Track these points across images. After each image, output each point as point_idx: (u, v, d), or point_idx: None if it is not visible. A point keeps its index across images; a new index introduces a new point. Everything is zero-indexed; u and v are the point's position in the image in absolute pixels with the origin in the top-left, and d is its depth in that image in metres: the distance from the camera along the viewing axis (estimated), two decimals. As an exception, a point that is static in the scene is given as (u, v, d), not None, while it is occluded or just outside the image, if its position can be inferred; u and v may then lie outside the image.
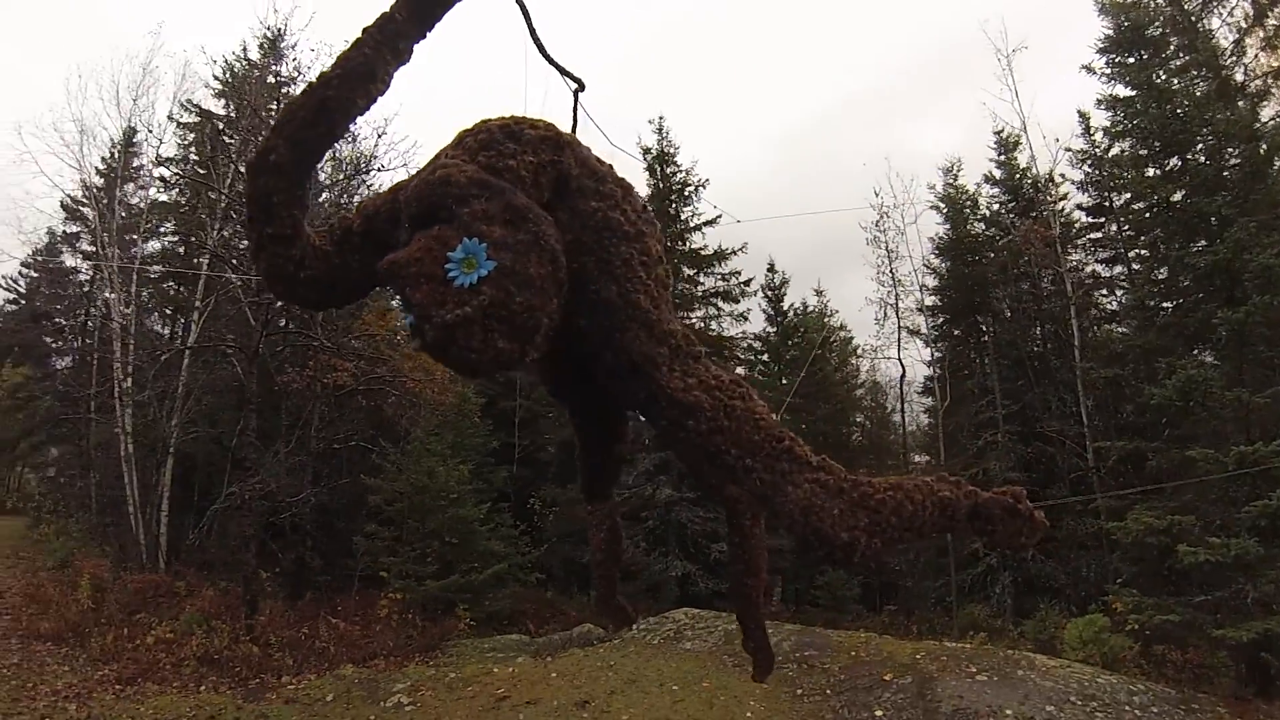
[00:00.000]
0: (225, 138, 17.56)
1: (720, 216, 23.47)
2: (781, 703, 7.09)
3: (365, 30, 1.98)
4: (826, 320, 29.49)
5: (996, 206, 23.61)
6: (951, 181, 24.30)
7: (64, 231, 22.82)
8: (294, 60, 18.42)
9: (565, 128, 2.25)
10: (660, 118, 25.32)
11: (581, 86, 2.95)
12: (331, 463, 17.56)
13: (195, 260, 17.89)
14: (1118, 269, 21.17)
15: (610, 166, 2.12)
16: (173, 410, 15.55)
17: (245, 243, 14.19)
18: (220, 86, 18.81)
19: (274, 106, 17.23)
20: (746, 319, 25.91)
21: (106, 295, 16.86)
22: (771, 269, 27.93)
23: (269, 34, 18.27)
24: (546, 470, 26.48)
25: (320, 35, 33.18)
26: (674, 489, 21.76)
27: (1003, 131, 22.91)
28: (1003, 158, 23.22)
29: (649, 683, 8.00)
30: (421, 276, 1.65)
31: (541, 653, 10.30)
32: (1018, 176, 22.80)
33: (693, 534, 21.36)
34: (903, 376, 24.41)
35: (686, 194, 24.99)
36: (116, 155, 18.06)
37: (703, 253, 24.98)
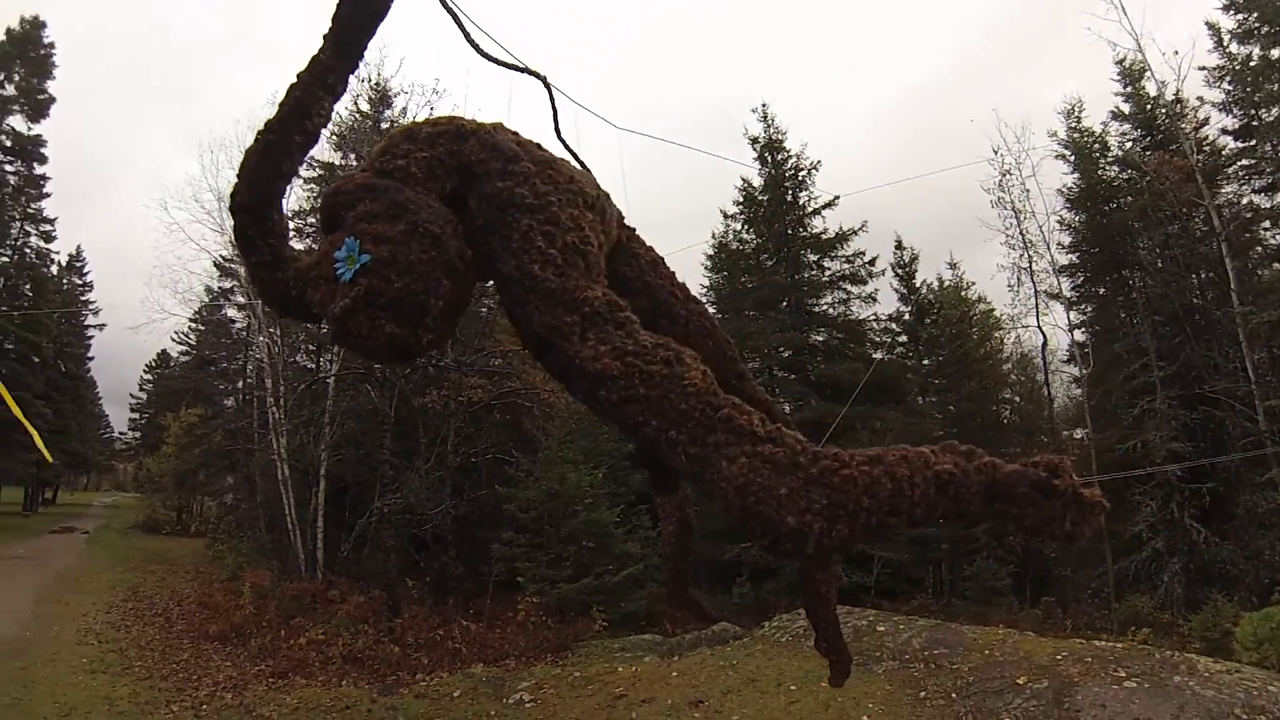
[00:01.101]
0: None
1: (838, 199, 22.64)
2: (901, 705, 6.60)
3: (298, 74, 2.11)
4: (964, 294, 27.45)
5: (1129, 145, 20.79)
6: (1075, 125, 21.75)
7: (219, 288, 25.51)
8: (402, 106, 19.59)
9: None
10: (764, 105, 24.67)
11: (543, 79, 2.96)
12: (471, 476, 18.47)
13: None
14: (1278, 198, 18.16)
15: (535, 146, 2.15)
16: (319, 436, 16.95)
17: None
18: (337, 139, 20.25)
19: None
20: (875, 300, 24.73)
21: (259, 339, 18.62)
22: (899, 246, 26.56)
23: (375, 86, 19.51)
24: None
25: (414, 76, 34.77)
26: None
27: (1124, 60, 20.24)
28: (1128, 89, 20.46)
29: (767, 682, 7.75)
30: (320, 279, 1.83)
31: (670, 652, 10.28)
32: (1149, 107, 20.01)
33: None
34: (1044, 345, 22.17)
35: (800, 178, 24.09)
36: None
37: (824, 237, 24.10)
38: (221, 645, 12.04)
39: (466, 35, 2.78)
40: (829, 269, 24.42)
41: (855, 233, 23.66)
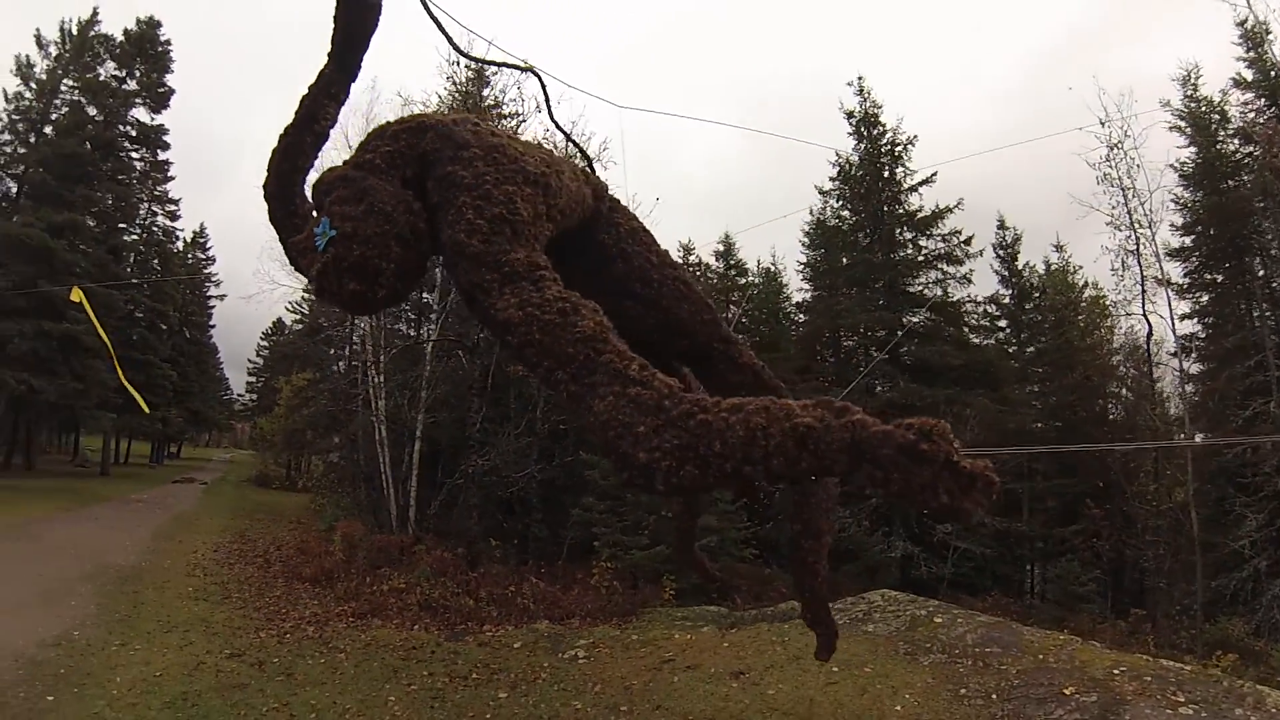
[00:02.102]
0: None
1: (935, 174, 21.64)
2: (938, 700, 6.37)
3: (309, 86, 2.63)
4: (1070, 278, 25.66)
5: (1251, 115, 18.34)
6: (1191, 94, 19.51)
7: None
8: (501, 86, 20.13)
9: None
10: (860, 79, 23.68)
11: (533, 71, 3.15)
12: (561, 443, 18.93)
13: (434, 270, 20.19)
14: None
15: (490, 133, 2.44)
16: (415, 400, 17.76)
17: None
18: (552, 120, 20.76)
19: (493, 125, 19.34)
20: (970, 281, 23.42)
21: None
22: (1001, 225, 25.00)
23: (472, 68, 20.02)
24: None
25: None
26: (899, 465, 20.67)
27: (1245, 21, 17.95)
28: (1251, 53, 18.09)
29: (810, 661, 7.59)
30: (307, 249, 2.28)
31: (730, 625, 10.33)
32: (1274, 74, 17.70)
33: (916, 513, 20.02)
34: (1149, 335, 20.61)
35: (896, 153, 23.12)
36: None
37: (919, 215, 23.01)
38: (311, 586, 12.93)
39: (450, 40, 3.11)
40: (925, 248, 23.33)
41: (951, 210, 22.47)
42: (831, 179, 24.83)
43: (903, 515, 20.06)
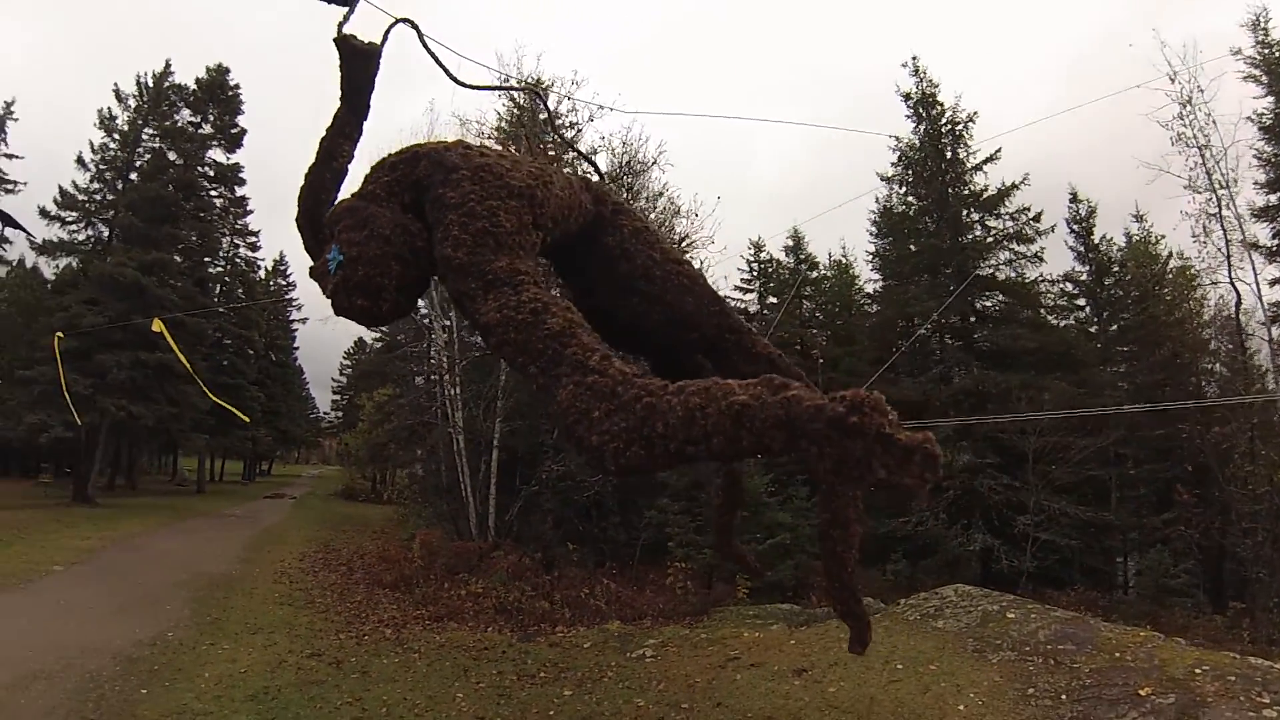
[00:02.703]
0: None
1: (999, 151, 20.84)
2: (1004, 701, 6.03)
3: (326, 129, 2.98)
4: (1153, 249, 24.20)
5: None
6: (1263, 39, 18.03)
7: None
8: (556, 100, 20.35)
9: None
10: (914, 59, 22.99)
11: (534, 91, 3.34)
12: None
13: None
14: None
15: (479, 154, 2.68)
16: (491, 409, 18.10)
17: None
18: (502, 134, 21.11)
19: (551, 138, 19.96)
20: (1043, 259, 22.35)
21: (439, 323, 19.92)
22: (1074, 199, 23.73)
23: (527, 82, 20.31)
24: None
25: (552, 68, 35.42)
26: (975, 455, 19.84)
27: None
28: None
29: (876, 658, 7.41)
30: (323, 274, 2.60)
31: (801, 622, 10.14)
32: None
33: (996, 505, 19.22)
34: (1238, 304, 18.93)
35: (957, 132, 22.35)
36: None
37: (985, 195, 22.17)
38: (391, 592, 13.36)
39: (449, 74, 3.43)
40: (994, 228, 22.45)
41: (1017, 187, 21.54)
42: (893, 164, 24.20)
43: (982, 507, 19.34)
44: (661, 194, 21.46)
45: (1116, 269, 23.64)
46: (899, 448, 1.42)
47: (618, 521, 18.51)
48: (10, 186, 24.82)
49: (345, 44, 2.97)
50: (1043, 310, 23.34)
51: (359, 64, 2.97)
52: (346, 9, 3.01)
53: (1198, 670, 5.69)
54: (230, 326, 34.41)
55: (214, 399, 8.46)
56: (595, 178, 3.39)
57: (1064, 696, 5.88)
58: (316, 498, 39.38)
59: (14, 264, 29.58)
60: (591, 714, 7.11)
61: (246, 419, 12.25)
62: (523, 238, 2.44)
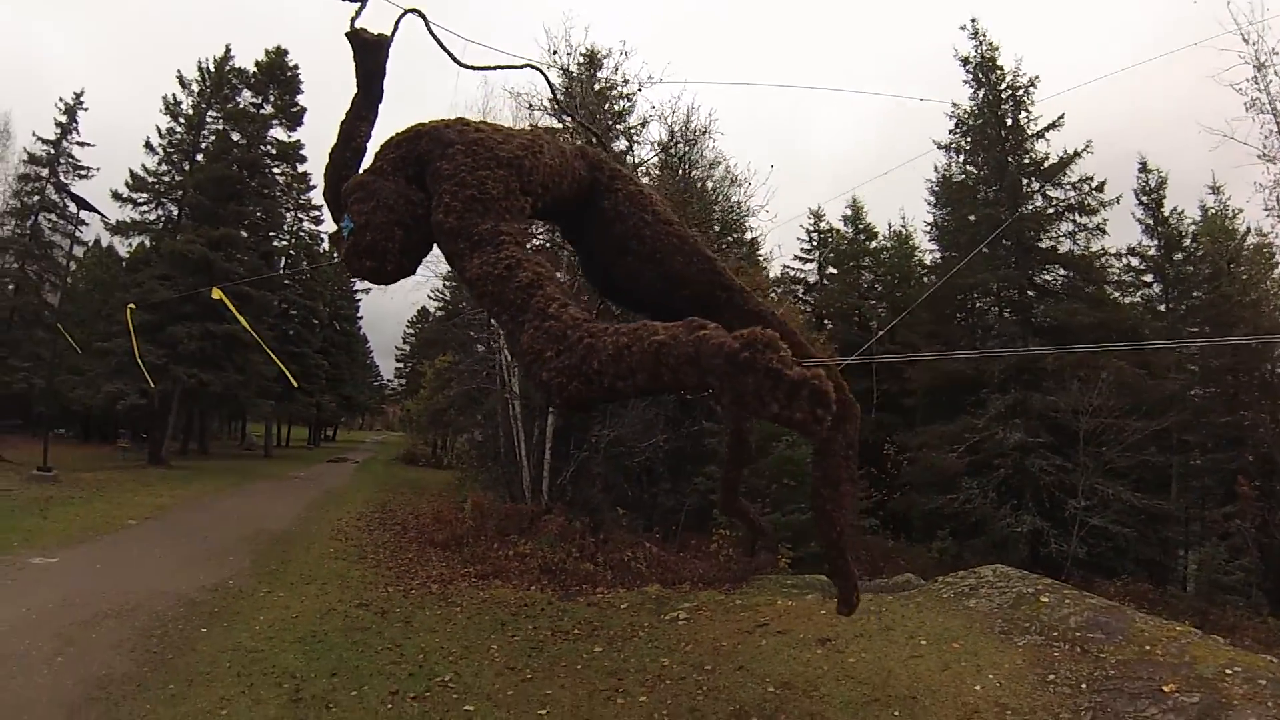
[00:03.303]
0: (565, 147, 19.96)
1: (1062, 118, 19.98)
2: (1022, 685, 5.89)
3: (346, 113, 3.31)
4: (1229, 224, 22.73)
5: None
6: None
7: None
8: (613, 65, 20.42)
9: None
10: (973, 21, 22.12)
11: (537, 68, 3.74)
12: (692, 413, 19.10)
13: (560, 251, 20.69)
14: None
15: (475, 129, 2.97)
16: None
17: None
18: (559, 106, 21.09)
19: (606, 108, 20.09)
20: (1105, 231, 21.44)
21: None
22: (1143, 168, 22.53)
23: (584, 54, 20.31)
24: (911, 415, 25.70)
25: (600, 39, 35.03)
26: (1026, 434, 19.34)
27: None
28: None
29: (900, 632, 7.41)
30: (340, 240, 2.94)
31: (836, 594, 10.16)
32: None
33: (1046, 485, 18.73)
34: None
35: (1018, 98, 21.51)
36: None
37: (1045, 164, 21.33)
38: (442, 550, 13.81)
39: (452, 56, 3.54)
40: (1055, 198, 21.58)
41: (1079, 155, 20.62)
42: (951, 132, 23.51)
43: (1033, 488, 18.89)
44: (718, 163, 21.46)
45: (1188, 244, 22.45)
46: (787, 383, 1.49)
47: (668, 488, 18.72)
48: (84, 172, 26.23)
49: (355, 38, 3.28)
50: (1107, 286, 22.36)
51: (369, 54, 3.28)
52: (359, 5, 3.31)
53: (1229, 671, 5.48)
54: (296, 298, 35.91)
55: (275, 359, 8.93)
56: (603, 148, 3.55)
57: (1084, 685, 5.77)
58: (378, 462, 40.47)
59: (90, 244, 31.27)
60: (617, 670, 7.31)
61: (295, 383, 12.82)
62: (510, 202, 2.68)
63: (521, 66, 3.65)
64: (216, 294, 10.90)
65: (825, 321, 32.54)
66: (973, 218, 23.01)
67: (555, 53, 18.46)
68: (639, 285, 3.27)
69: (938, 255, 26.87)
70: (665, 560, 14.12)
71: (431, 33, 3.39)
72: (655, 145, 20.64)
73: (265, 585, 9.87)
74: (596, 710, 6.22)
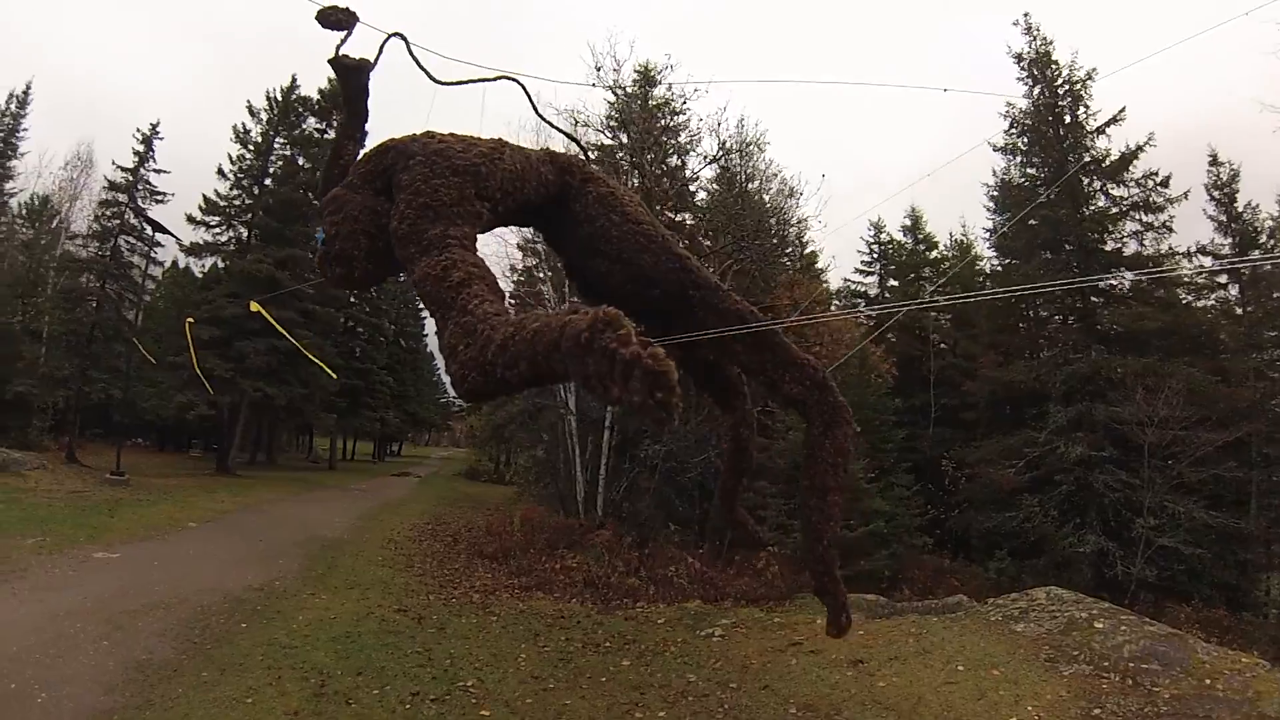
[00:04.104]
0: (622, 162, 20.17)
1: (1123, 112, 19.13)
2: (1066, 718, 5.51)
3: (335, 131, 4.06)
4: None
5: None
6: None
7: (524, 265, 28.91)
8: (667, 84, 20.66)
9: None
10: (1026, 15, 21.42)
11: (515, 80, 3.88)
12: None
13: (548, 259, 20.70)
14: None
15: (437, 141, 3.08)
16: None
17: None
18: (616, 123, 21.17)
19: (663, 122, 20.59)
20: (1171, 229, 20.26)
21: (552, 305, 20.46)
22: (1214, 161, 21.18)
23: (638, 69, 20.67)
24: (972, 430, 24.82)
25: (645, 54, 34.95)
26: (1089, 447, 18.42)
27: None
28: None
29: (937, 656, 7.01)
30: (316, 251, 3.22)
31: (882, 615, 9.88)
32: None
33: (1111, 503, 17.75)
34: None
35: (1076, 92, 20.66)
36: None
37: (1106, 161, 20.41)
38: (490, 562, 13.97)
39: (428, 74, 3.67)
40: (1119, 197, 20.60)
41: (1142, 149, 19.61)
42: (1006, 133, 22.69)
43: (1097, 506, 17.96)
44: (774, 174, 21.34)
45: (1266, 240, 21.06)
46: (622, 363, 1.42)
47: (719, 504, 18.53)
48: (160, 197, 27.57)
49: (337, 63, 3.51)
50: (1177, 289, 21.15)
51: (352, 78, 3.51)
52: (344, 33, 3.50)
53: (1299, 710, 5.07)
54: (363, 315, 37.04)
55: (309, 355, 9.27)
56: (583, 155, 3.66)
57: (1131, 724, 5.34)
58: (440, 477, 41.30)
59: (168, 265, 33.02)
60: (641, 684, 7.25)
61: (333, 375, 13.27)
62: (462, 207, 2.80)
63: (497, 79, 3.76)
64: (255, 306, 11.31)
65: (888, 335, 31.90)
66: (1033, 222, 22.13)
67: (600, 69, 18.56)
68: (610, 286, 3.28)
69: (998, 263, 25.98)
70: (709, 576, 13.97)
71: (412, 54, 3.57)
72: (703, 158, 20.61)
73: (309, 588, 10.19)
74: (612, 723, 6.16)
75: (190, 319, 13.17)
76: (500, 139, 3.24)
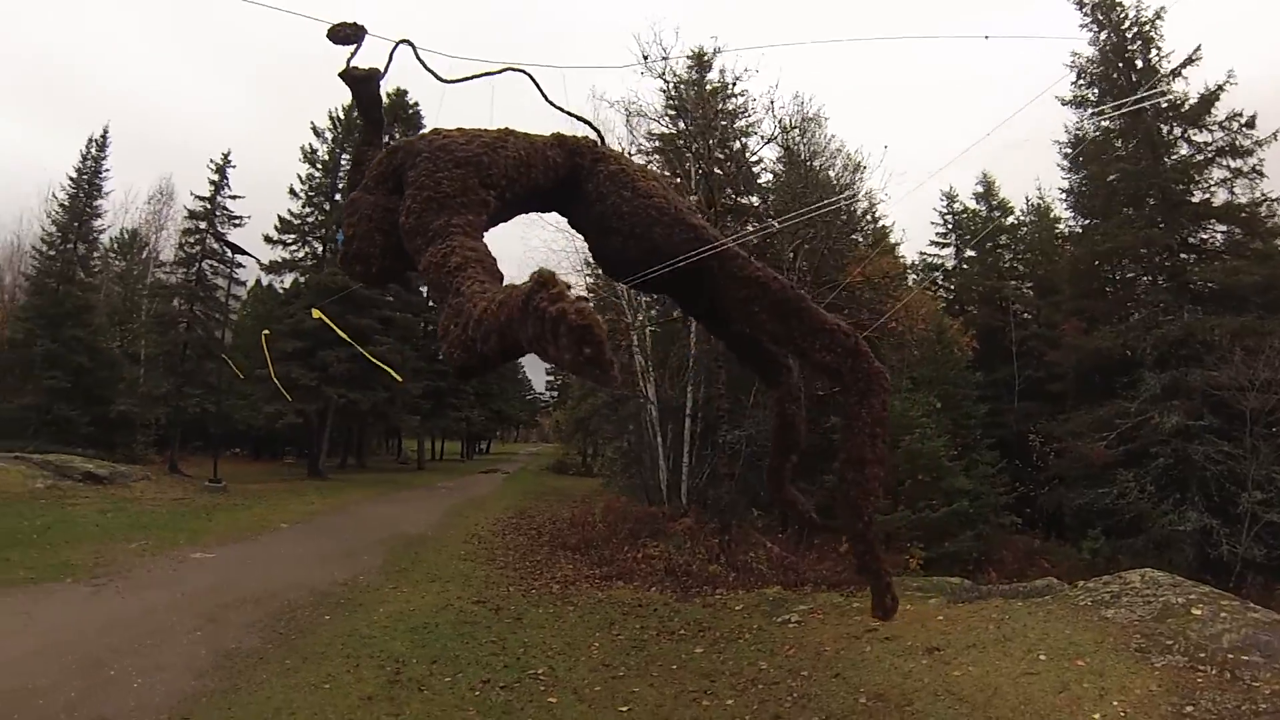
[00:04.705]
0: (685, 151, 20.03)
1: (1199, 51, 17.72)
2: (1151, 716, 5.06)
3: (356, 140, 4.24)
4: None
5: None
6: None
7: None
8: (720, 68, 20.51)
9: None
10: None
11: (524, 72, 3.80)
12: (826, 410, 18.56)
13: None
14: None
15: (441, 138, 3.22)
16: (682, 378, 18.20)
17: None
18: (674, 112, 20.87)
19: (721, 106, 20.42)
20: (1262, 174, 18.60)
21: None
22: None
23: (691, 56, 20.33)
24: (1060, 402, 23.72)
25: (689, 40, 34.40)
26: (1186, 416, 17.25)
27: None
28: None
29: (1018, 645, 6.58)
30: (337, 251, 3.39)
31: (962, 599, 9.50)
32: None
33: (1214, 476, 16.56)
34: None
35: (1145, 33, 19.27)
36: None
37: (1184, 106, 18.99)
38: (572, 554, 14.07)
39: (435, 75, 3.74)
40: (1201, 143, 19.17)
41: (1223, 88, 18.13)
42: (1073, 84, 21.40)
43: (1198, 479, 16.80)
44: (839, 151, 20.92)
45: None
46: (549, 320, 1.44)
47: (802, 486, 18.17)
48: (238, 221, 29.12)
49: (347, 76, 3.70)
50: (1277, 239, 19.47)
51: (362, 87, 3.71)
52: (352, 47, 3.68)
53: None
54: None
55: (366, 355, 9.66)
56: (599, 138, 3.64)
57: (1228, 720, 4.87)
58: (529, 472, 41.96)
59: (250, 284, 34.93)
60: (712, 671, 7.23)
61: (399, 378, 13.76)
62: (466, 197, 2.91)
63: (501, 71, 3.82)
64: (316, 314, 11.77)
65: (968, 307, 30.79)
66: (1112, 177, 20.81)
67: (647, 57, 18.43)
68: (626, 262, 3.30)
69: (1076, 225, 24.66)
70: (790, 561, 13.81)
71: (419, 58, 3.66)
72: (762, 139, 20.39)
73: (391, 582, 10.63)
74: (678, 711, 6.20)
75: (266, 332, 13.85)
76: (507, 129, 3.32)
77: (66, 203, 28.03)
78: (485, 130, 3.27)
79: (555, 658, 7.53)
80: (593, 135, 3.60)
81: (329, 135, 30.84)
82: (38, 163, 56.77)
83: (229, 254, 27.13)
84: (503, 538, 16.03)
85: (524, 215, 3.70)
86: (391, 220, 3.07)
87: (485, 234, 3.01)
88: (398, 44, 3.66)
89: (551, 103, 3.72)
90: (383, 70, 3.70)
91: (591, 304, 1.55)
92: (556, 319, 1.42)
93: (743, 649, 8.09)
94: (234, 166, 28.71)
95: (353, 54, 3.69)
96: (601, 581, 11.73)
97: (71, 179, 28.29)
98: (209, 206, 28.02)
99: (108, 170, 29.11)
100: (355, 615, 8.68)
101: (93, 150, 28.83)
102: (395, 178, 3.21)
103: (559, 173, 3.34)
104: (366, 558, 12.25)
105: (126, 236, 34.59)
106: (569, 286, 1.54)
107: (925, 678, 6.34)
